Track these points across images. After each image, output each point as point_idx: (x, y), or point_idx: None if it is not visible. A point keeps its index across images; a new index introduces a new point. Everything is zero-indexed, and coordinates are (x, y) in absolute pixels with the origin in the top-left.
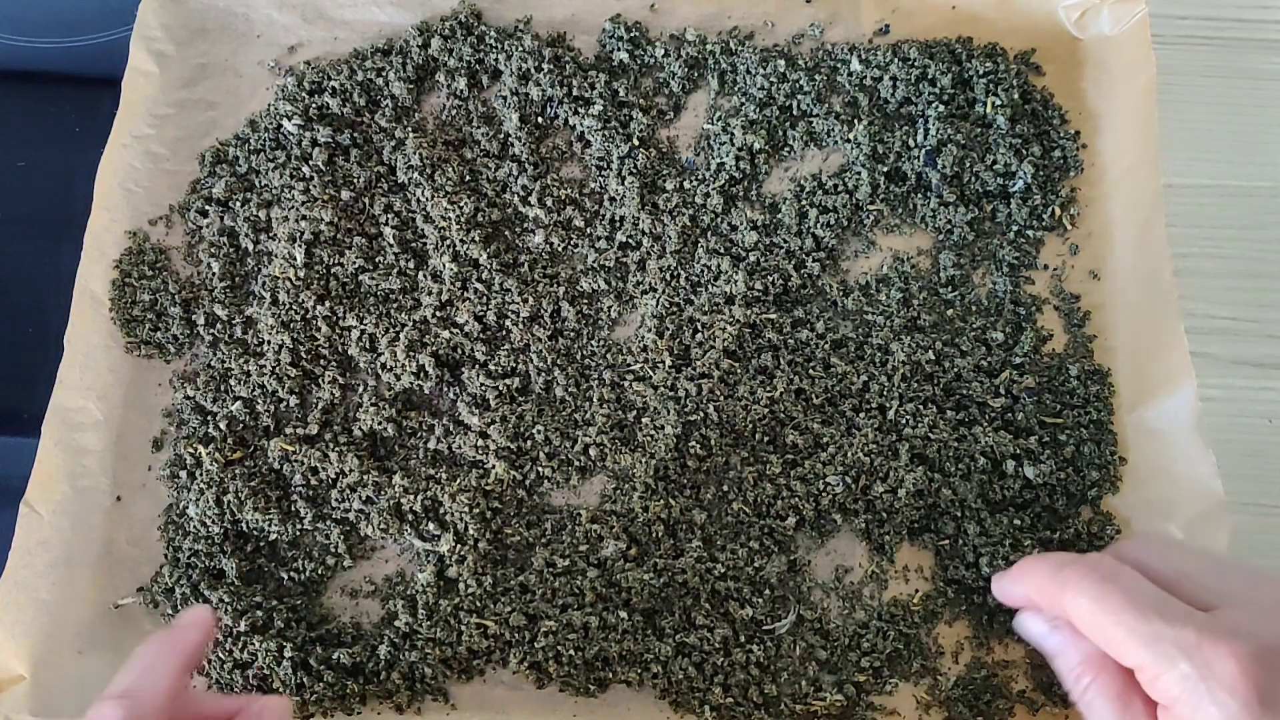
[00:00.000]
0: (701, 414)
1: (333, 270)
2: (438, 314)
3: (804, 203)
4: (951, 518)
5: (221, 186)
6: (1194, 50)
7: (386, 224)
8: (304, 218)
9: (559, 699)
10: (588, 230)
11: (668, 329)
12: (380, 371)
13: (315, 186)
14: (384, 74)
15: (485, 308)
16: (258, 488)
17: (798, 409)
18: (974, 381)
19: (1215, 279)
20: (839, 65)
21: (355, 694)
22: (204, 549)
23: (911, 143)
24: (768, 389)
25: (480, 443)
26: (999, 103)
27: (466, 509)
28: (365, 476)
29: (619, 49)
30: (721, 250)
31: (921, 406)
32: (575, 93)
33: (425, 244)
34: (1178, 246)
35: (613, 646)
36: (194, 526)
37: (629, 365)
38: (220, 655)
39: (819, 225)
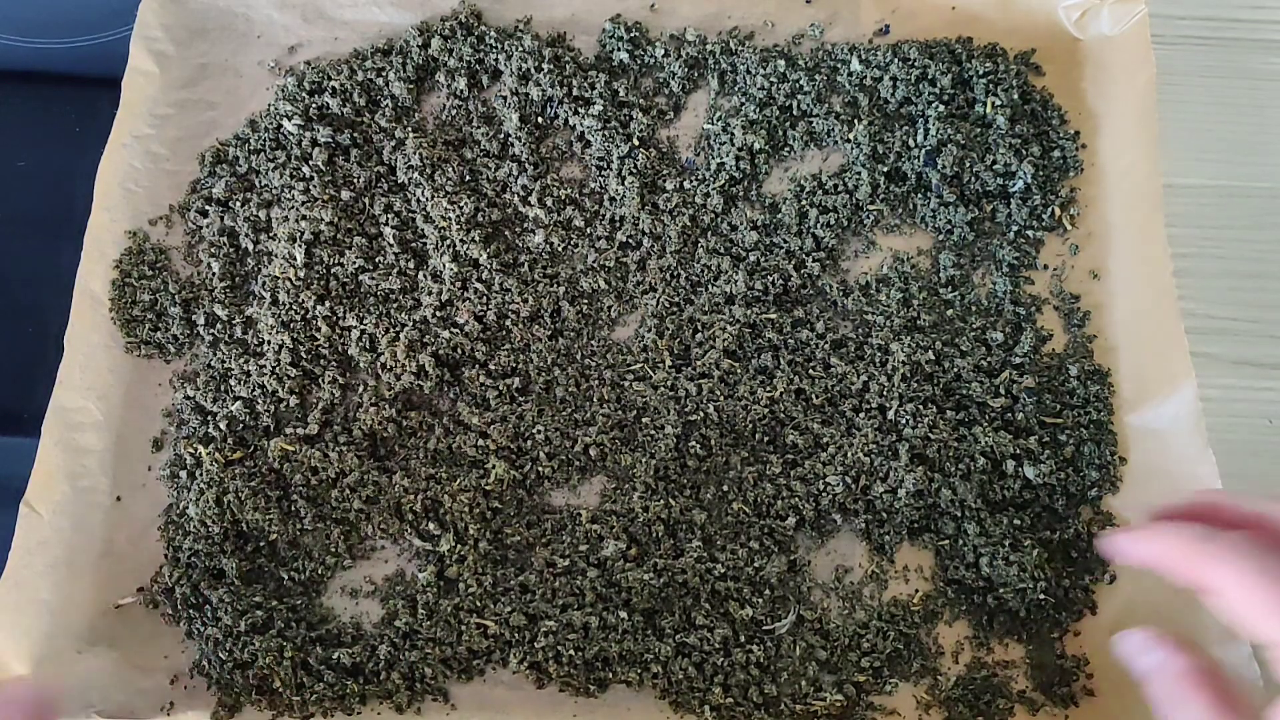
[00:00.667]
0: (701, 414)
1: (333, 270)
2: (438, 314)
3: (804, 203)
4: (951, 518)
5: (222, 186)
6: (1193, 50)
7: (386, 224)
8: (304, 218)
9: (559, 699)
10: (588, 230)
11: (668, 329)
12: (380, 371)
13: (315, 186)
14: (384, 74)
15: (485, 307)
16: (258, 488)
17: (798, 409)
18: (974, 382)
19: (1215, 279)
20: (839, 65)
21: (355, 694)
22: (204, 549)
23: (911, 143)
24: (768, 389)
25: (480, 442)
26: (999, 103)
27: (467, 509)
28: (365, 476)
29: (619, 49)
30: (721, 250)
31: (921, 407)
32: (575, 93)
33: (425, 244)
34: (1178, 246)
35: (613, 646)
36: (194, 526)
37: (629, 365)
38: (221, 655)
39: (819, 225)
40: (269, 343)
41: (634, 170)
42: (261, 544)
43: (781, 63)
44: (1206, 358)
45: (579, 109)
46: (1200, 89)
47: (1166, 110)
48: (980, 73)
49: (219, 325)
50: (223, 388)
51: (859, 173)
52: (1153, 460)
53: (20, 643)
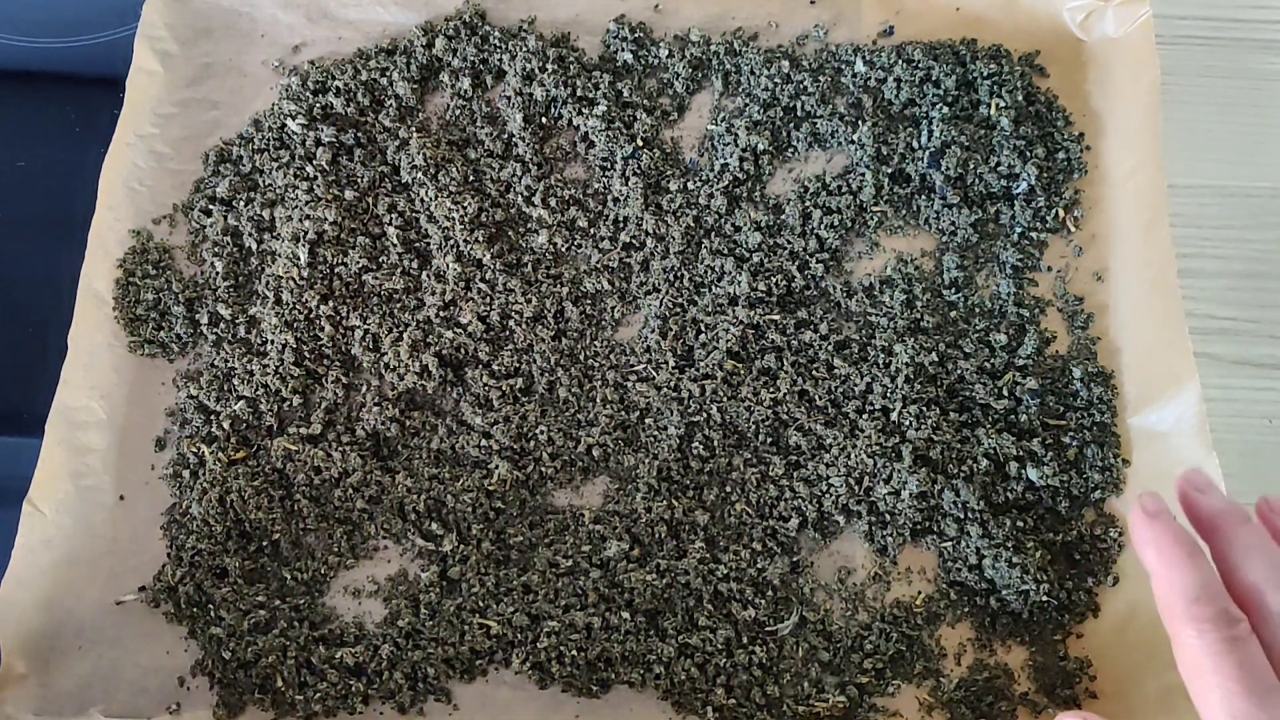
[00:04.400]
0: (704, 415)
1: (336, 270)
2: (441, 314)
3: (808, 204)
4: (954, 519)
5: (225, 186)
6: (1194, 50)
7: (390, 224)
8: (308, 217)
9: (561, 699)
10: (591, 231)
11: (671, 330)
12: (383, 371)
13: (319, 186)
14: (388, 74)
15: (489, 308)
16: (261, 487)
17: (801, 410)
18: (977, 383)
19: (1216, 279)
20: (843, 66)
21: (358, 694)
22: (207, 548)
23: (915, 144)
24: (771, 390)
25: (483, 443)
26: (1003, 104)
27: (469, 509)
28: (368, 476)
29: (623, 49)
30: (725, 251)
31: (924, 408)
32: (579, 93)
33: (429, 244)
34: (1178, 246)
35: (615, 647)
36: (197, 525)
37: (632, 366)
38: (223, 654)
39: (823, 226)
40: (272, 342)
41: (637, 171)
42: (264, 543)
43: (785, 64)
44: (1207, 358)
45: (583, 109)
46: (1201, 89)
47: (1167, 110)
48: (984, 74)
49: (222, 325)
50: (226, 387)
51: (863, 174)
52: (1156, 463)
53: (23, 641)
